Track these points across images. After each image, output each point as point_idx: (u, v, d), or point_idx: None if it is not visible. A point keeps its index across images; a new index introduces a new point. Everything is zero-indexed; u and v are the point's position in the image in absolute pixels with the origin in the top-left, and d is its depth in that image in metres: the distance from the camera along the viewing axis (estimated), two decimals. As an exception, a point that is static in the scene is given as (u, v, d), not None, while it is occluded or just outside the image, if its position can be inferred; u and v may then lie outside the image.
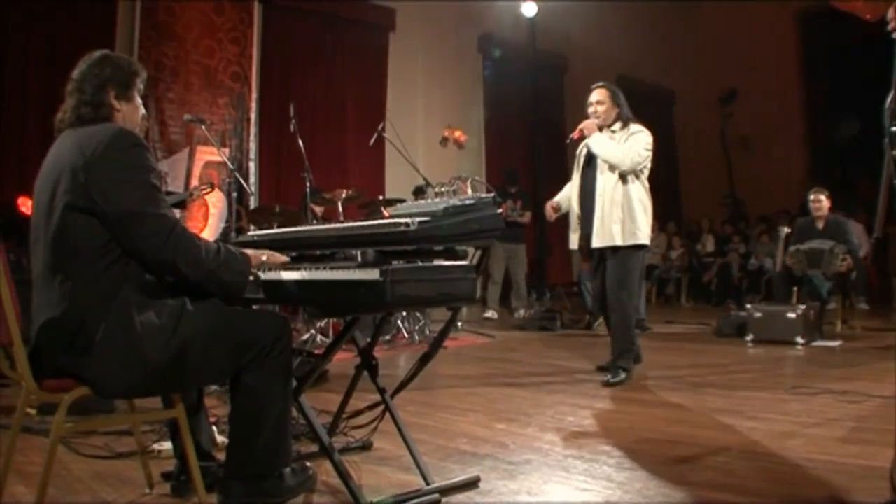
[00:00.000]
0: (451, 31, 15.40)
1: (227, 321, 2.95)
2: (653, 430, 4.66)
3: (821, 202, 9.63)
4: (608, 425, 4.86)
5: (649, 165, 6.32)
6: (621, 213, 6.17)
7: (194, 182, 11.25)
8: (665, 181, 20.15)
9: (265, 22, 12.53)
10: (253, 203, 11.31)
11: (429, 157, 13.05)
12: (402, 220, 2.90)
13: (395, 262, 2.87)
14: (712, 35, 18.30)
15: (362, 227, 3.15)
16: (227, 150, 11.63)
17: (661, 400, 5.66)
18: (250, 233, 3.81)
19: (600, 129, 6.37)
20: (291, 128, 8.18)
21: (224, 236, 11.25)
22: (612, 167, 6.22)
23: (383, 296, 2.70)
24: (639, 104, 18.77)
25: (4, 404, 5.27)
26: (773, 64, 18.19)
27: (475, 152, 15.25)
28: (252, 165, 12.15)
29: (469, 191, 3.32)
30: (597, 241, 6.28)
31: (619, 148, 6.19)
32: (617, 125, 6.36)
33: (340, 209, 8.67)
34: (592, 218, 6.32)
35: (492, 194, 3.26)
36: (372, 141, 8.83)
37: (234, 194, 7.97)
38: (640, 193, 6.26)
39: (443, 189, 3.34)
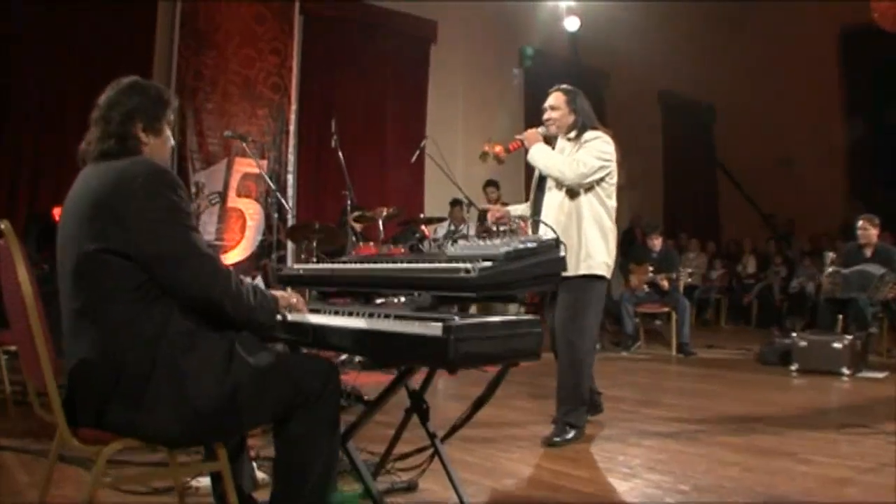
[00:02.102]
0: (492, 45, 15.26)
1: (278, 364, 2.80)
2: (705, 474, 4.50)
3: (868, 230, 9.48)
4: (659, 466, 4.69)
5: (613, 180, 5.35)
6: (570, 240, 5.13)
7: (231, 194, 11.16)
8: (704, 199, 19.98)
9: (306, 32, 12.44)
10: (291, 217, 11.20)
11: (468, 170, 12.85)
12: (462, 266, 2.75)
13: (454, 313, 2.72)
14: (755, 52, 17.93)
15: (420, 269, 3.00)
16: (265, 163, 11.55)
17: (708, 438, 5.48)
18: (296, 266, 3.66)
19: (552, 139, 5.55)
20: (333, 143, 8.03)
21: (262, 249, 11.23)
22: (559, 183, 5.31)
23: (446, 354, 2.51)
24: (679, 119, 19.20)
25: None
26: (816, 82, 17.86)
27: (515, 168, 15.04)
28: (290, 178, 12.02)
29: (529, 231, 3.18)
30: None
31: (562, 159, 5.29)
32: (573, 133, 5.43)
33: (381, 227, 8.50)
34: None
35: (554, 236, 3.11)
36: (414, 158, 8.68)
37: (273, 205, 7.85)
38: (596, 212, 5.29)
39: (502, 228, 3.18)
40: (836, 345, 8.33)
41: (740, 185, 19.18)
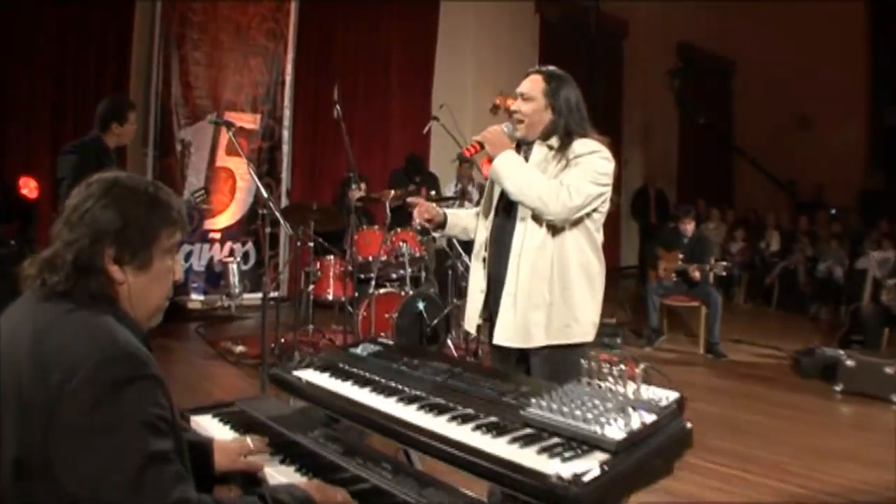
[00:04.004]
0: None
1: None
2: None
3: None
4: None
5: (606, 207, 3.76)
6: (547, 292, 3.64)
7: (220, 153, 10.16)
8: (717, 160, 19.30)
9: (305, -26, 11.34)
10: (285, 181, 10.25)
11: (477, 124, 11.90)
12: (554, 472, 1.78)
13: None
14: (778, 7, 17.19)
15: (481, 452, 2.00)
16: (258, 117, 10.67)
17: (753, 479, 5.00)
18: (297, 372, 2.69)
19: (522, 143, 3.85)
20: (335, 114, 7.02)
21: (253, 212, 10.32)
22: (535, 214, 3.65)
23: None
24: (697, 74, 18.48)
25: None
26: (840, 41, 17.29)
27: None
28: (286, 133, 11.09)
29: (637, 374, 2.20)
30: (501, 336, 3.72)
31: (542, 181, 3.58)
32: (554, 139, 3.73)
33: (388, 211, 7.57)
34: (500, 293, 3.77)
35: (677, 394, 2.14)
36: (426, 129, 7.78)
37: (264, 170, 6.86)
38: (584, 257, 3.71)
39: (603, 368, 2.21)
40: (889, 370, 7.52)
41: (748, 155, 18.55)
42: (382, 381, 2.50)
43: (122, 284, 1.95)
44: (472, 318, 3.96)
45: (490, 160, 3.72)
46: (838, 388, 7.73)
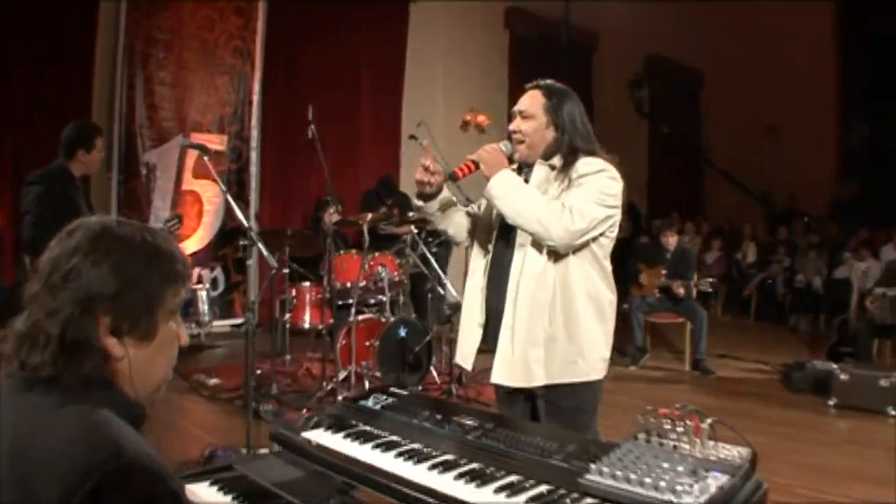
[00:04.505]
0: (477, 4, 14.11)
1: None
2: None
3: None
4: None
5: (614, 232, 3.43)
6: (549, 325, 3.30)
7: (187, 176, 9.83)
8: (689, 172, 19.29)
9: (273, -10, 11.04)
10: (254, 204, 9.93)
11: (448, 142, 11.68)
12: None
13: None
14: (747, 17, 17.21)
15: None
16: (225, 138, 10.34)
17: None
18: (307, 434, 2.37)
19: (522, 165, 3.54)
20: (310, 134, 6.69)
21: (222, 237, 10.06)
22: (535, 239, 3.33)
23: None
24: (666, 85, 18.41)
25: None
26: (809, 50, 17.28)
27: (496, 139, 13.90)
28: (254, 154, 10.75)
29: (703, 430, 1.95)
30: (500, 374, 3.40)
31: (543, 203, 3.26)
32: (556, 158, 3.43)
33: (366, 236, 7.29)
34: (498, 327, 3.44)
35: (748, 450, 1.89)
36: (424, 142, 7.57)
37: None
38: (592, 286, 3.37)
39: (664, 423, 1.96)
40: (884, 382, 7.41)
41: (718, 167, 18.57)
42: (407, 443, 2.18)
43: (121, 360, 1.57)
44: (467, 354, 3.60)
45: (472, 166, 3.44)
46: (832, 402, 7.62)
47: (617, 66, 17.04)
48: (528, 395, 3.46)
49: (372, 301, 7.72)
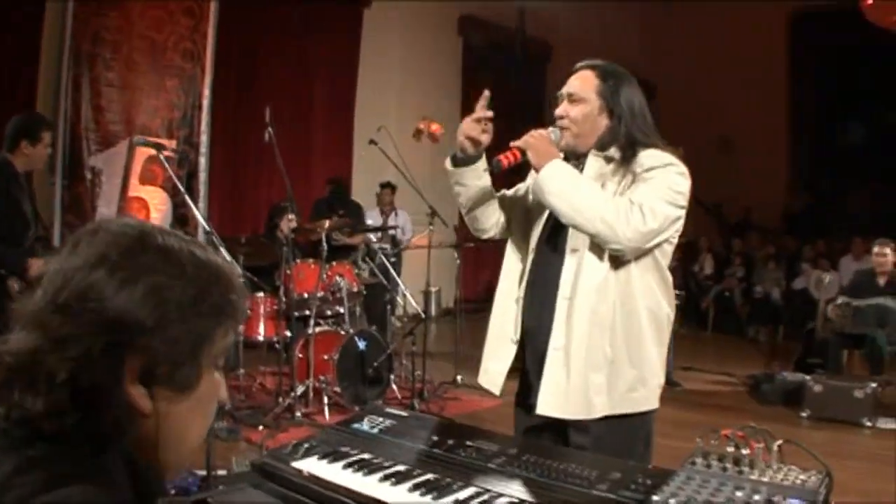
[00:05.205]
0: (430, 11, 14.00)
1: None
2: None
3: (886, 256, 8.54)
4: None
5: (676, 240, 2.92)
6: (609, 348, 2.78)
7: (133, 182, 9.44)
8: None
9: (224, -9, 10.76)
10: (203, 210, 9.58)
11: (400, 149, 11.55)
12: None
13: None
14: (701, 30, 17.34)
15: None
16: (174, 142, 9.91)
17: None
18: (297, 463, 2.03)
19: (570, 156, 2.97)
20: (266, 137, 6.38)
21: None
22: (594, 243, 2.79)
23: None
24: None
25: None
26: (761, 63, 17.46)
27: (449, 148, 13.75)
28: (203, 160, 10.36)
29: (773, 452, 1.69)
30: (549, 405, 2.80)
31: (608, 199, 2.76)
32: (613, 149, 2.90)
33: (325, 244, 6.98)
34: (542, 346, 2.89)
35: (822, 472, 1.63)
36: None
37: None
38: (653, 300, 2.85)
39: (728, 447, 1.70)
40: (858, 393, 7.40)
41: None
42: (420, 473, 1.82)
43: (149, 418, 1.12)
44: (495, 375, 3.04)
45: (517, 154, 2.85)
46: (805, 413, 7.59)
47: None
48: (561, 425, 2.90)
49: (329, 312, 7.36)
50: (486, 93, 2.93)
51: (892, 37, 12.16)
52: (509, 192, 3.23)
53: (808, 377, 7.84)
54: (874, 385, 7.41)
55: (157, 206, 9.74)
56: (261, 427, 6.09)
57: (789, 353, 10.03)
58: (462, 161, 2.98)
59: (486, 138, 2.92)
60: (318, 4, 12.02)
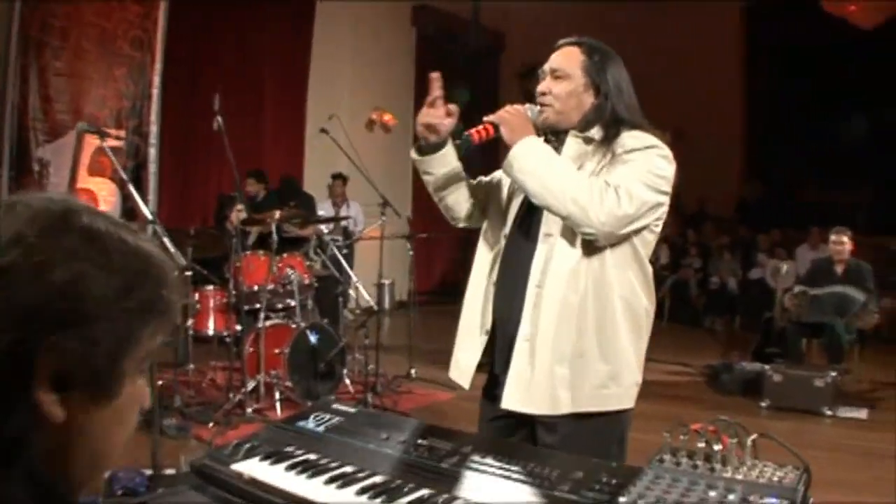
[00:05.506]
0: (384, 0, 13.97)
1: None
2: None
3: (843, 244, 8.55)
4: None
5: (659, 226, 2.73)
6: (580, 340, 2.61)
7: (82, 173, 9.25)
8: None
9: (175, -22, 10.56)
10: (152, 203, 9.41)
11: (353, 140, 11.43)
12: None
13: None
14: (654, 21, 17.37)
15: None
16: (123, 133, 9.75)
17: None
18: (238, 467, 1.89)
19: (548, 133, 2.83)
20: (216, 125, 6.21)
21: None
22: (568, 227, 2.63)
23: None
24: None
25: None
26: (715, 54, 17.50)
27: (402, 138, 13.65)
28: (152, 151, 10.19)
29: (747, 447, 1.61)
30: (513, 398, 2.66)
31: (579, 179, 2.59)
32: (595, 129, 2.74)
33: (275, 236, 6.83)
34: (510, 336, 2.74)
35: (800, 467, 1.56)
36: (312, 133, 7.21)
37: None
38: (629, 289, 2.66)
39: (699, 442, 1.62)
40: (818, 382, 7.41)
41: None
42: (369, 474, 1.68)
43: (60, 427, 0.95)
44: (465, 368, 2.88)
45: (489, 129, 2.69)
46: (764, 403, 7.61)
47: (524, 67, 17.04)
48: (529, 422, 2.75)
49: (280, 306, 7.18)
50: (436, 74, 2.78)
51: (848, 27, 12.25)
52: (485, 179, 3.11)
53: (767, 367, 7.84)
54: (834, 374, 7.45)
55: (105, 199, 9.55)
56: (211, 424, 5.94)
57: (746, 342, 10.07)
58: (426, 149, 2.86)
59: (448, 123, 2.76)
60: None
